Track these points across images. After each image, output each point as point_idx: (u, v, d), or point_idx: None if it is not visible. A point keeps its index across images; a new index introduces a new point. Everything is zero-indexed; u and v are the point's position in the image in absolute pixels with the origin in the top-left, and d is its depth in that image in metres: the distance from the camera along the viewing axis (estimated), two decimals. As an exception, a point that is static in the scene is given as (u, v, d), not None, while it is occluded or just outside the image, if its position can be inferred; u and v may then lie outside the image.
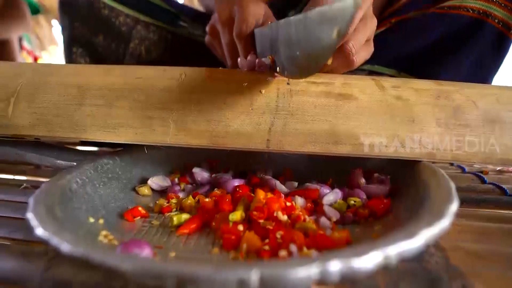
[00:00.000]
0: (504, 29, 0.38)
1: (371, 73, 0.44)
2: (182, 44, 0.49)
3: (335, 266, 0.13)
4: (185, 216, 0.24)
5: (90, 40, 0.47)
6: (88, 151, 0.33)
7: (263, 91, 0.27)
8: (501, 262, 0.20)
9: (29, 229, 0.17)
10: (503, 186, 0.31)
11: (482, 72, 0.42)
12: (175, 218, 0.24)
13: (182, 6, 0.49)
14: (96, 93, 0.27)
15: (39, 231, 0.16)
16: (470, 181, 0.33)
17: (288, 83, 0.27)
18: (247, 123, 0.26)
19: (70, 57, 0.49)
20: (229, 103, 0.26)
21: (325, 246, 0.19)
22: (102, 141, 0.27)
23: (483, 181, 0.33)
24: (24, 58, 1.16)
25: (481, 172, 0.35)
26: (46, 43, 1.90)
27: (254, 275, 0.12)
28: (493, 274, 0.19)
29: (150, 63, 0.48)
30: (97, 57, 0.48)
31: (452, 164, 0.38)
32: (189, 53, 0.49)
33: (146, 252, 0.18)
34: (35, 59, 1.34)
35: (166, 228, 0.24)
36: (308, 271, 0.12)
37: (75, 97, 0.27)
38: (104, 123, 0.26)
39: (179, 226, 0.23)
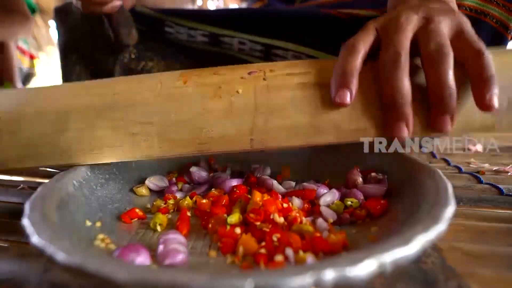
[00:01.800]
0: (501, 28, 0.38)
1: None
2: (169, 50, 0.48)
3: (329, 275, 0.13)
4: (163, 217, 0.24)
5: (85, 47, 0.47)
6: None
7: (241, 91, 0.26)
8: (497, 262, 0.20)
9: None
10: (499, 186, 0.31)
11: None
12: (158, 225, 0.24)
13: (166, 9, 0.48)
14: (76, 117, 0.26)
15: (35, 239, 0.16)
16: (466, 181, 0.33)
17: (264, 79, 0.27)
18: (229, 126, 0.26)
19: (65, 64, 0.49)
20: (208, 108, 0.26)
21: (321, 249, 0.19)
22: (91, 163, 0.26)
23: (480, 181, 0.33)
24: (19, 58, 1.15)
25: (478, 172, 0.35)
26: (43, 44, 1.89)
27: (248, 285, 0.12)
28: (489, 274, 0.19)
29: (141, 70, 0.48)
30: (91, 64, 0.48)
31: (449, 164, 0.38)
32: (180, 58, 0.49)
33: (143, 256, 0.18)
34: (31, 57, 1.32)
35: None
36: (303, 281, 0.12)
37: (55, 123, 0.26)
38: (89, 146, 0.26)
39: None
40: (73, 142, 0.26)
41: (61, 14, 0.47)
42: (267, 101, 0.26)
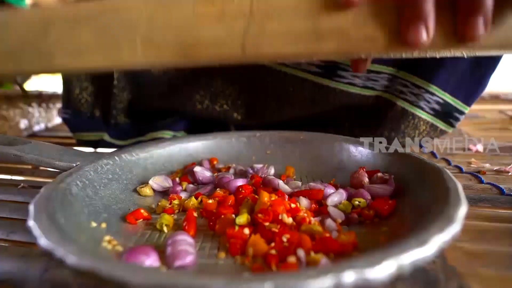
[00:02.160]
0: None
1: (368, 72, 0.44)
2: None
3: (349, 277, 0.13)
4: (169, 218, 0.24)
5: None
6: (87, 152, 0.32)
7: None
8: (498, 262, 0.20)
9: (28, 230, 0.17)
10: (500, 186, 0.31)
11: (480, 71, 0.42)
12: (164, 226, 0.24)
13: None
14: (60, 21, 0.26)
15: (43, 242, 0.16)
16: (467, 180, 0.34)
17: None
18: (220, 30, 0.24)
19: None
20: (198, 12, 0.24)
21: (332, 250, 0.19)
22: (71, 68, 0.26)
23: (480, 181, 0.33)
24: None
25: (479, 172, 0.35)
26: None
27: None
28: (490, 274, 0.19)
29: (141, 70, 0.47)
30: None
31: (449, 164, 0.39)
32: None
33: (152, 258, 0.18)
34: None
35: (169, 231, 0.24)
36: (323, 283, 0.12)
37: (39, 28, 0.26)
38: (71, 49, 0.25)
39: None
40: (55, 45, 0.25)
41: None
42: (264, 6, 0.24)
